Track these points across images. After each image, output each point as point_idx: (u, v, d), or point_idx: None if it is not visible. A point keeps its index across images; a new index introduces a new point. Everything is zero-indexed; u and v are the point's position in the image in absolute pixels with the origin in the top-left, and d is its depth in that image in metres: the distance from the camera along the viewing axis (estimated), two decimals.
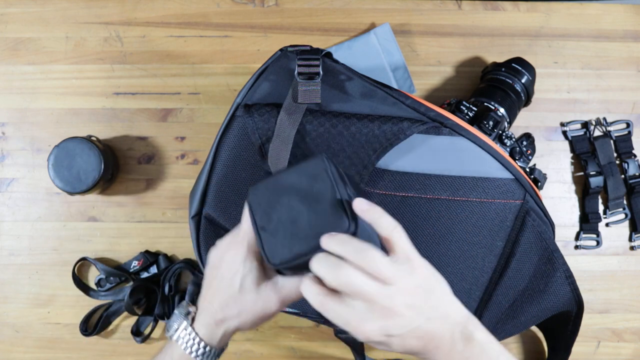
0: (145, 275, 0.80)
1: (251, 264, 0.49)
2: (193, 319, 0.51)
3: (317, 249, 0.43)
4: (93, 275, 0.81)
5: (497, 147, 0.65)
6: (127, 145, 0.82)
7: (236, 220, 0.65)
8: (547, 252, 0.66)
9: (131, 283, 0.80)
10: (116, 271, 0.79)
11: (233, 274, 0.49)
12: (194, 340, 0.50)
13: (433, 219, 0.64)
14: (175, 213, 0.81)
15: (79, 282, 0.80)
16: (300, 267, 0.45)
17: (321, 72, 0.60)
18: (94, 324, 0.79)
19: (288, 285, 0.49)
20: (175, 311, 0.52)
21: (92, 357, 0.80)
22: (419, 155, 0.63)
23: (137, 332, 0.79)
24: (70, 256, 0.80)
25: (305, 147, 0.63)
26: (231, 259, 0.49)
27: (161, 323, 0.80)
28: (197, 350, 0.50)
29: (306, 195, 0.45)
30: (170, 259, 0.81)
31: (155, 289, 0.79)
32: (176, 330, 0.51)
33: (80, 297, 0.80)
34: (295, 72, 0.60)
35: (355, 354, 0.71)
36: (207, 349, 0.50)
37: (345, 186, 0.46)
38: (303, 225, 0.44)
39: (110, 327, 0.80)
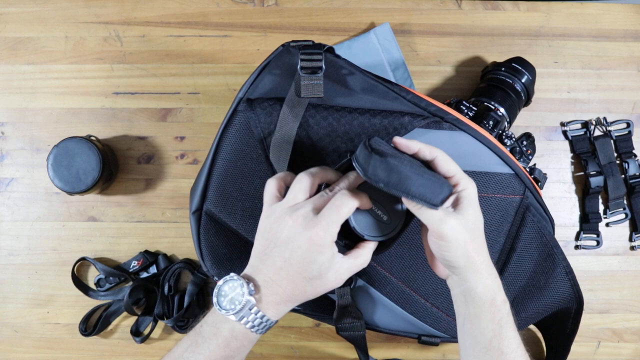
0: (144, 275, 0.80)
1: (334, 248, 0.50)
2: (256, 296, 0.50)
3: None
4: (92, 275, 0.81)
5: (497, 142, 0.65)
6: (126, 145, 0.81)
7: (237, 216, 0.65)
8: (547, 247, 0.67)
9: (131, 283, 0.80)
10: (115, 271, 0.79)
11: (311, 261, 0.49)
12: (261, 319, 0.50)
13: None
14: (175, 213, 0.81)
15: (79, 282, 0.80)
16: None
17: (324, 67, 0.60)
18: (94, 324, 0.79)
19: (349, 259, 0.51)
20: (235, 283, 0.50)
21: (92, 357, 0.80)
22: None
23: (136, 332, 0.79)
24: (69, 256, 0.80)
25: (307, 140, 0.63)
26: (310, 245, 0.48)
27: (161, 323, 0.80)
28: (259, 325, 0.50)
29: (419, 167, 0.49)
30: (169, 259, 0.81)
31: (154, 289, 0.79)
32: (240, 309, 0.49)
33: (80, 297, 0.80)
34: (298, 66, 0.60)
35: (359, 351, 0.71)
36: (269, 323, 0.51)
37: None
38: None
39: (110, 327, 0.80)
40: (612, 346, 0.81)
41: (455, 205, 0.50)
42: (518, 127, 0.81)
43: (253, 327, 0.50)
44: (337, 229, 0.49)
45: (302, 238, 0.48)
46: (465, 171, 0.63)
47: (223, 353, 0.50)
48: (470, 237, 0.49)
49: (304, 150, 0.63)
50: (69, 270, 0.79)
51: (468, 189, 0.50)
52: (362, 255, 0.52)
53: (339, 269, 0.50)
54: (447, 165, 0.51)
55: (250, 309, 0.49)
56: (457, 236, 0.48)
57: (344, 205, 0.49)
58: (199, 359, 0.50)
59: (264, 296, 0.50)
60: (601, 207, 0.81)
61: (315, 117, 0.63)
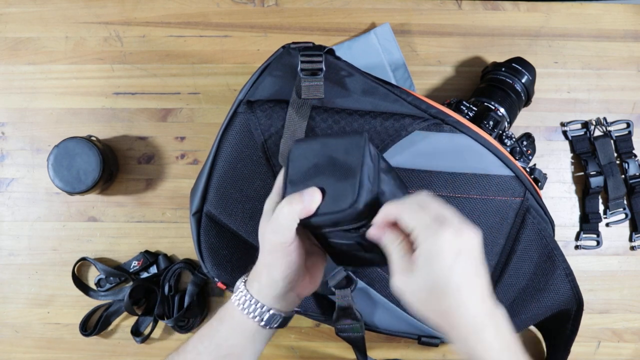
0: (145, 275, 0.80)
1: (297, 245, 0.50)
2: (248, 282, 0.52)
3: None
4: (93, 276, 0.81)
5: (497, 144, 0.65)
6: (127, 145, 0.81)
7: (237, 218, 0.65)
8: (547, 249, 0.67)
9: (131, 283, 0.80)
10: (116, 271, 0.79)
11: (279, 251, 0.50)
12: (256, 305, 0.51)
13: None
14: (175, 213, 0.81)
15: (79, 282, 0.80)
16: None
17: (324, 68, 0.60)
18: (94, 324, 0.79)
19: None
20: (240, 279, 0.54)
21: (92, 357, 0.80)
22: (420, 151, 0.62)
23: (136, 332, 0.79)
24: (69, 256, 0.80)
25: None
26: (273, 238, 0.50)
27: (161, 323, 0.80)
28: (260, 315, 0.51)
29: (335, 164, 0.47)
30: (170, 259, 0.81)
31: (155, 289, 0.79)
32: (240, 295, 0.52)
33: (80, 297, 0.80)
34: (299, 68, 0.60)
35: (357, 352, 0.71)
36: (271, 312, 0.51)
37: (375, 170, 0.47)
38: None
39: (110, 327, 0.80)
40: (612, 346, 0.81)
41: (414, 266, 0.43)
42: (518, 127, 0.81)
43: (242, 307, 0.51)
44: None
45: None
46: (466, 174, 0.63)
47: (214, 325, 0.53)
48: (425, 303, 0.44)
49: None
50: (69, 270, 0.79)
51: (425, 244, 0.42)
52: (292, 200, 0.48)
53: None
54: (404, 219, 0.44)
55: (241, 291, 0.52)
56: (409, 298, 0.44)
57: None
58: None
59: (251, 280, 0.52)
60: (601, 207, 0.81)
61: (315, 119, 0.63)
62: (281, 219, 0.47)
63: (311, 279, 0.54)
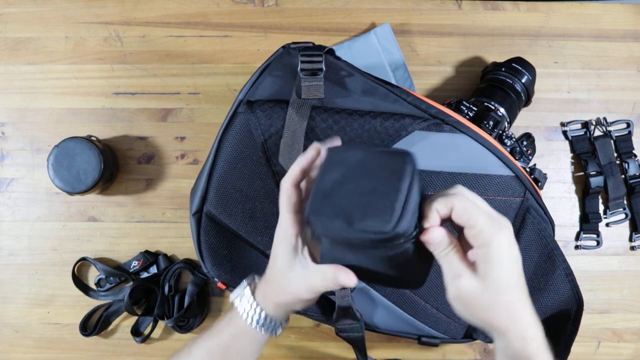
0: (145, 275, 0.80)
1: (290, 243, 0.49)
2: (255, 289, 0.53)
3: (355, 234, 0.42)
4: (93, 276, 0.81)
5: (497, 144, 0.65)
6: (127, 145, 0.81)
7: (237, 218, 0.65)
8: (547, 249, 0.67)
9: (131, 283, 0.80)
10: (116, 271, 0.79)
11: (275, 254, 0.50)
12: (253, 309, 0.52)
13: None
14: (175, 213, 0.81)
15: (79, 282, 0.80)
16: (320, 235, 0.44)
17: (324, 68, 0.60)
18: (94, 324, 0.79)
19: (313, 275, 0.49)
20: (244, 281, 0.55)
21: (92, 357, 0.80)
22: (420, 152, 0.62)
23: (136, 332, 0.79)
24: (69, 256, 0.80)
25: (307, 142, 0.63)
26: (276, 237, 0.50)
27: (161, 323, 0.80)
28: (257, 320, 0.51)
29: (376, 179, 0.43)
30: (170, 259, 0.81)
31: (155, 289, 0.79)
32: (237, 297, 0.53)
33: (80, 297, 0.80)
34: (299, 68, 0.60)
35: (358, 352, 0.71)
36: (268, 319, 0.52)
37: (415, 194, 0.44)
38: (354, 202, 0.42)
39: (110, 327, 0.80)
40: (612, 346, 0.81)
41: (477, 263, 0.43)
42: (518, 127, 0.81)
43: (251, 322, 0.52)
44: (285, 212, 0.49)
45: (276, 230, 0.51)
46: (466, 174, 0.63)
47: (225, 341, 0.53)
48: (493, 300, 0.44)
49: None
50: (69, 270, 0.79)
51: (492, 244, 0.42)
52: (327, 275, 0.48)
53: (310, 268, 0.49)
54: (466, 214, 0.43)
55: (243, 295, 0.53)
56: (471, 302, 0.44)
57: (282, 194, 0.49)
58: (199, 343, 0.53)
59: (258, 288, 0.53)
60: (601, 207, 0.81)
61: (315, 119, 0.63)
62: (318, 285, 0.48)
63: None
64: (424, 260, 0.46)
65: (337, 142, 0.50)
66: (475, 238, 0.43)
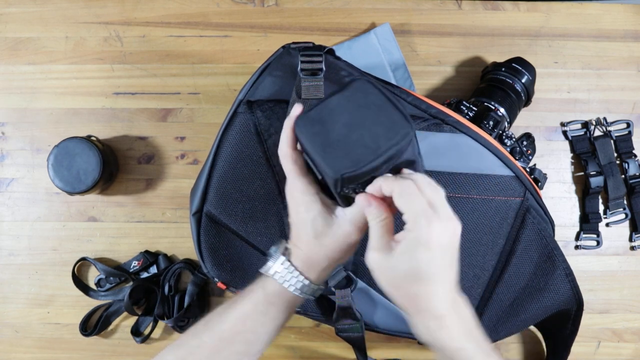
0: (145, 275, 0.80)
1: (316, 206, 0.50)
2: (290, 255, 0.52)
3: (382, 157, 0.44)
4: (93, 276, 0.81)
5: (497, 144, 0.65)
6: (127, 145, 0.81)
7: (237, 218, 0.65)
8: (547, 249, 0.67)
9: (131, 283, 0.80)
10: (116, 271, 0.79)
11: (304, 221, 0.50)
12: (292, 274, 0.51)
13: None
14: (175, 213, 0.81)
15: (79, 282, 0.80)
16: (362, 177, 0.45)
17: (324, 68, 0.60)
18: (94, 324, 0.79)
19: (352, 212, 0.49)
20: (271, 250, 0.53)
21: (92, 357, 0.80)
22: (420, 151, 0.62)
23: (136, 332, 0.79)
24: (69, 256, 0.80)
25: None
26: (296, 206, 0.51)
27: (161, 323, 0.80)
28: (295, 284, 0.51)
29: (360, 108, 0.45)
30: (170, 259, 0.81)
31: (155, 289, 0.79)
32: (272, 266, 0.52)
33: (80, 297, 0.80)
34: (299, 68, 0.60)
35: (357, 352, 0.71)
36: (306, 282, 0.51)
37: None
38: (362, 136, 0.44)
39: (110, 327, 0.80)
40: (612, 346, 0.81)
41: (398, 246, 0.44)
42: (518, 127, 0.81)
43: (283, 280, 0.51)
44: (295, 178, 0.50)
45: (288, 199, 0.52)
46: (466, 174, 0.63)
47: (254, 308, 0.52)
48: (394, 283, 0.45)
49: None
50: (69, 270, 0.79)
51: (414, 232, 0.43)
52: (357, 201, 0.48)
53: (340, 220, 0.50)
54: (401, 200, 0.44)
55: (281, 263, 0.51)
56: (380, 276, 0.46)
57: (287, 160, 0.50)
58: (229, 313, 0.52)
59: (293, 258, 0.52)
60: (601, 207, 0.81)
61: None
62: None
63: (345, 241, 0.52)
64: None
65: (298, 109, 0.51)
66: (406, 222, 0.44)
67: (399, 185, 0.44)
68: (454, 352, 0.45)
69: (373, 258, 0.45)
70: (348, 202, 0.49)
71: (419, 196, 0.43)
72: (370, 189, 0.46)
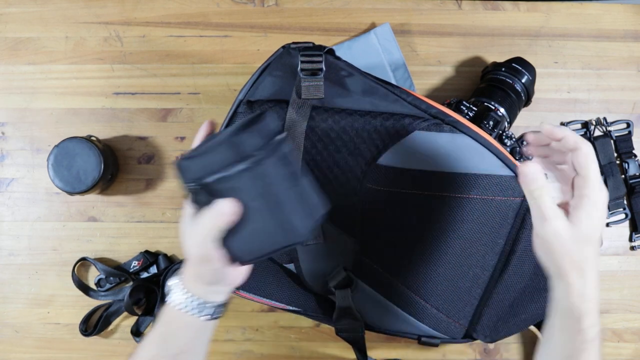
0: (145, 275, 0.80)
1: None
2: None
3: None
4: (93, 276, 0.81)
5: (497, 144, 0.65)
6: (127, 145, 0.81)
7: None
8: None
9: (131, 283, 0.80)
10: (116, 271, 0.79)
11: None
12: (197, 304, 0.51)
13: (434, 216, 0.64)
14: (175, 213, 0.81)
15: (79, 282, 0.80)
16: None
17: (324, 68, 0.60)
18: (94, 324, 0.79)
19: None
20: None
21: (92, 357, 0.80)
22: (420, 152, 0.62)
23: (137, 332, 0.79)
24: (69, 256, 0.80)
25: (309, 142, 0.63)
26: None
27: None
28: (186, 303, 0.50)
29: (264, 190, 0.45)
30: (170, 259, 0.81)
31: (155, 289, 0.79)
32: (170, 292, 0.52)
33: (80, 297, 0.80)
34: (299, 68, 0.60)
35: (357, 352, 0.71)
36: (195, 298, 0.50)
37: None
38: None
39: (110, 327, 0.80)
40: (612, 346, 0.81)
41: (573, 209, 0.45)
42: (518, 127, 0.81)
43: (182, 305, 0.51)
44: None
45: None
46: (466, 174, 0.63)
47: (161, 330, 0.52)
48: (574, 249, 0.45)
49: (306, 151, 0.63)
50: (69, 270, 0.79)
51: (593, 196, 0.44)
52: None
53: (190, 234, 0.49)
54: (587, 162, 0.45)
55: (174, 290, 0.51)
56: (554, 244, 0.45)
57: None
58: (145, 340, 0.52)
59: (185, 279, 0.52)
60: None
61: (315, 120, 0.63)
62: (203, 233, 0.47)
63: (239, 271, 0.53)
64: None
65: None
66: (580, 188, 0.45)
67: (586, 145, 0.45)
68: (595, 318, 0.46)
69: (558, 227, 0.45)
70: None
71: (595, 163, 0.45)
72: (541, 138, 0.49)
